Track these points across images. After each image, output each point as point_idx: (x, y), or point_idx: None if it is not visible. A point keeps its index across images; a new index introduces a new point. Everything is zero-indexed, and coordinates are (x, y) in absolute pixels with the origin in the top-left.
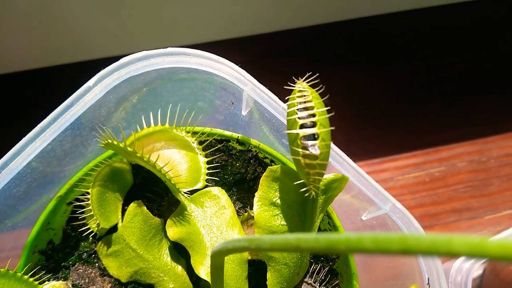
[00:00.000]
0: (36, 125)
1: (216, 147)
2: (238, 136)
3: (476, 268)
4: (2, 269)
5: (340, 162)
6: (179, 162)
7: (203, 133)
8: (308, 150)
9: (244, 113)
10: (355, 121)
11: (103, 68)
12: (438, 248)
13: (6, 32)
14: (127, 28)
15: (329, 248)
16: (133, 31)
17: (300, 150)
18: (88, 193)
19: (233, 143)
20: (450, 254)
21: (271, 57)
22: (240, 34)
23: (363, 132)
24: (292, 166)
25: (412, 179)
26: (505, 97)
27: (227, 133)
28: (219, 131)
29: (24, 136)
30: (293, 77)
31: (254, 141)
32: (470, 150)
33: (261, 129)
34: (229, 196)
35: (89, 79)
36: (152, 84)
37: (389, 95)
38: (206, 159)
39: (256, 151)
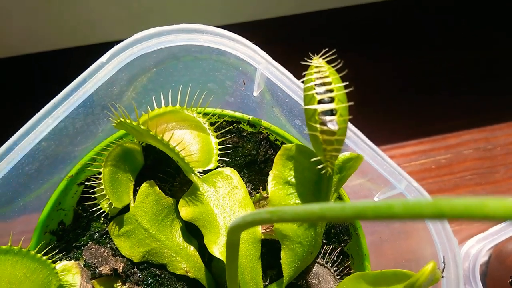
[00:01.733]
0: (39, 105)
1: (227, 129)
2: (249, 118)
3: (483, 254)
4: (15, 247)
5: (354, 141)
6: (190, 143)
7: (214, 114)
8: (326, 126)
9: (255, 94)
10: (362, 108)
11: (116, 44)
12: (472, 211)
13: (14, 15)
14: (134, 12)
15: (356, 215)
16: (140, 15)
17: (318, 125)
18: (99, 173)
19: (243, 124)
20: (484, 218)
21: (282, 41)
22: (250, 18)
23: (370, 119)
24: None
25: (418, 166)
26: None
27: (238, 114)
28: (230, 112)
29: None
30: (310, 53)
31: (265, 123)
32: (476, 137)
33: (272, 110)
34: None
35: (87, 64)
36: (164, 64)
37: (397, 83)
38: (217, 140)
39: (267, 133)
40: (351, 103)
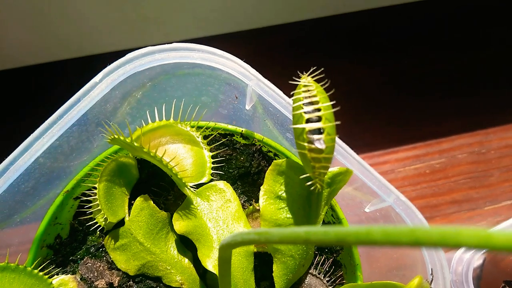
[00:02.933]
0: (41, 120)
1: (220, 142)
2: (242, 130)
3: (476, 258)
4: (12, 264)
5: (344, 155)
6: (184, 157)
7: (207, 128)
8: (314, 144)
9: (248, 107)
10: (355, 114)
11: (109, 64)
12: (447, 240)
13: (9, 27)
14: (130, 23)
15: (338, 241)
16: (136, 26)
17: (306, 144)
18: (95, 188)
19: (237, 137)
20: (458, 246)
21: (274, 51)
22: (243, 27)
23: (364, 124)
24: (297, 160)
25: (413, 171)
26: (505, 89)
27: (231, 127)
28: (223, 125)
29: (29, 131)
30: (298, 71)
31: (258, 135)
32: (470, 141)
33: (264, 123)
34: (234, 189)
35: (92, 73)
36: (157, 80)
37: (389, 88)
38: (211, 153)
39: (260, 145)
40: (338, 122)
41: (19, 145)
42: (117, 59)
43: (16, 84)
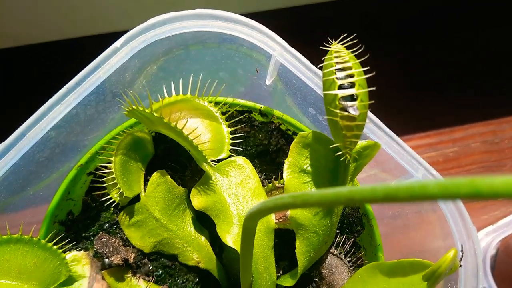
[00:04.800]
0: (49, 94)
1: (238, 118)
2: (261, 107)
3: (493, 248)
4: (25, 236)
5: (371, 129)
6: (202, 132)
7: (225, 104)
8: (347, 111)
9: (268, 82)
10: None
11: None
12: (510, 188)
13: (23, 5)
14: (143, 2)
15: (388, 197)
16: (148, 5)
17: (338, 111)
18: (109, 162)
19: (255, 114)
20: None
21: (292, 32)
22: (263, 8)
23: (377, 113)
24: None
25: (426, 159)
26: None
27: (250, 103)
28: (241, 101)
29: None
30: (329, 38)
31: (277, 112)
32: (483, 131)
33: (284, 99)
34: None
35: (99, 53)
36: (176, 51)
37: (404, 78)
38: (230, 129)
39: (279, 122)
40: (373, 88)
41: None
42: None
43: (29, 62)
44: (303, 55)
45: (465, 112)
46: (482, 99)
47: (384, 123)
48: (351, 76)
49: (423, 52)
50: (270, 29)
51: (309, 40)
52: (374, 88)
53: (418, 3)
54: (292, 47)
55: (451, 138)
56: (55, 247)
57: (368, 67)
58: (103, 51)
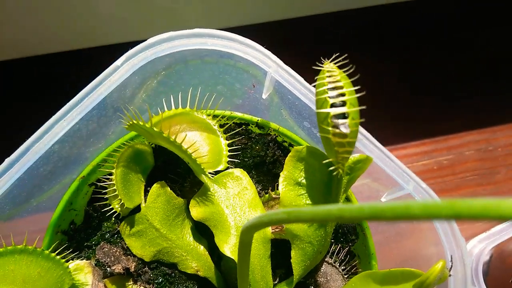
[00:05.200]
0: (54, 107)
1: (236, 131)
2: (258, 120)
3: (485, 255)
4: (29, 247)
5: (363, 143)
6: (200, 144)
7: (223, 117)
8: (338, 129)
9: (264, 96)
10: (363, 109)
11: (131, 48)
12: (488, 211)
13: (24, 16)
14: (145, 13)
15: (373, 216)
16: (148, 17)
17: (331, 128)
18: (111, 174)
19: (252, 126)
20: (500, 218)
21: (291, 44)
22: (259, 20)
23: (372, 120)
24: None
25: (420, 167)
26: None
27: (247, 116)
28: (239, 114)
29: (44, 117)
30: (321, 58)
31: (273, 125)
32: (477, 139)
33: (280, 112)
34: None
35: (102, 64)
36: (174, 67)
37: (398, 85)
38: (227, 142)
39: (275, 134)
40: (363, 107)
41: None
42: (126, 50)
43: (30, 73)
44: (299, 66)
45: (460, 120)
46: (476, 107)
47: (379, 131)
48: (343, 95)
49: (422, 52)
50: (266, 43)
51: (306, 50)
52: (364, 107)
53: (418, 3)
54: (288, 58)
55: (446, 146)
56: (58, 257)
57: (359, 86)
58: (106, 61)
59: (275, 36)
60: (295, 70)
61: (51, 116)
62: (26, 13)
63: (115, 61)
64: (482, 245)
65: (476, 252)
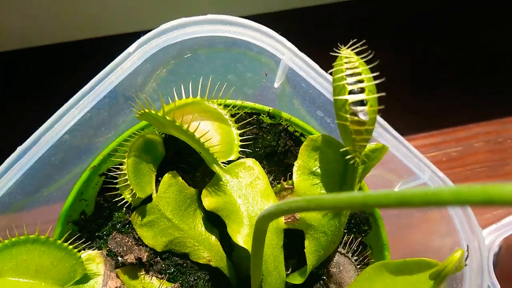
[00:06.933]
0: (60, 97)
1: (247, 120)
2: (269, 109)
3: (496, 246)
4: (42, 236)
5: (378, 132)
6: (212, 134)
7: (234, 106)
8: (357, 116)
9: (276, 85)
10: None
11: (143, 35)
12: None
13: (29, 6)
14: (150, 3)
15: (401, 203)
16: (155, 6)
17: (348, 116)
18: (122, 163)
19: (263, 116)
20: None
21: (299, 33)
22: (270, 9)
23: (382, 113)
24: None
25: (430, 159)
26: None
27: (258, 106)
28: (250, 104)
29: (49, 107)
30: (338, 44)
31: (285, 114)
32: (487, 130)
33: (292, 102)
34: None
35: (108, 54)
36: (185, 55)
37: (408, 78)
38: (239, 131)
39: (286, 124)
40: (383, 94)
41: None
42: (134, 39)
43: (44, 61)
44: (310, 55)
45: (468, 112)
46: (485, 99)
47: (388, 123)
48: (361, 81)
49: (423, 51)
50: (279, 32)
51: (314, 40)
52: (384, 94)
53: (418, 3)
54: (300, 47)
55: (455, 138)
56: (70, 246)
57: (378, 73)
58: (120, 51)
59: (287, 24)
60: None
61: (56, 109)
62: (32, 2)
63: (122, 50)
64: (492, 237)
65: (487, 243)
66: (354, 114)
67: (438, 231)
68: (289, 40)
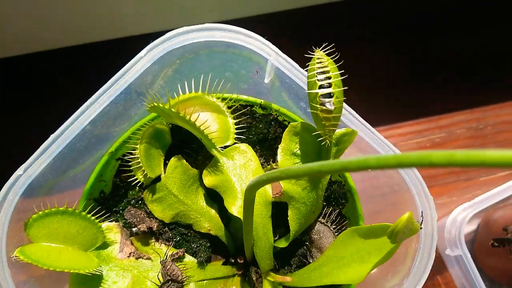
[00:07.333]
0: (75, 99)
1: (242, 111)
2: (261, 102)
3: (467, 221)
4: (70, 209)
5: (349, 119)
6: (211, 123)
7: (230, 99)
8: (325, 106)
9: (266, 81)
10: (366, 91)
11: (152, 41)
12: (473, 159)
13: (42, 10)
14: (157, 7)
15: (342, 168)
16: (161, 10)
17: (319, 106)
18: (135, 149)
19: (256, 107)
20: (483, 165)
21: (288, 34)
22: (260, 11)
23: (371, 102)
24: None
25: (414, 145)
26: (503, 69)
27: (251, 98)
28: (244, 97)
29: (65, 109)
30: (312, 47)
31: (275, 106)
32: (469, 118)
33: (280, 95)
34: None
35: (119, 56)
36: (188, 56)
37: (395, 69)
38: (234, 121)
39: (276, 114)
40: (345, 88)
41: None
42: (141, 41)
43: (61, 62)
44: (295, 54)
45: (452, 101)
46: (467, 89)
47: (377, 111)
48: (329, 78)
49: (423, 51)
50: (272, 32)
51: (315, 39)
52: (346, 88)
53: (418, 3)
54: (300, 47)
55: (439, 125)
56: (93, 217)
57: (343, 70)
58: (128, 52)
59: (275, 27)
60: (297, 57)
61: (76, 106)
62: (42, 7)
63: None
64: (465, 213)
65: (459, 219)
66: (323, 104)
67: (404, 202)
68: (280, 40)
